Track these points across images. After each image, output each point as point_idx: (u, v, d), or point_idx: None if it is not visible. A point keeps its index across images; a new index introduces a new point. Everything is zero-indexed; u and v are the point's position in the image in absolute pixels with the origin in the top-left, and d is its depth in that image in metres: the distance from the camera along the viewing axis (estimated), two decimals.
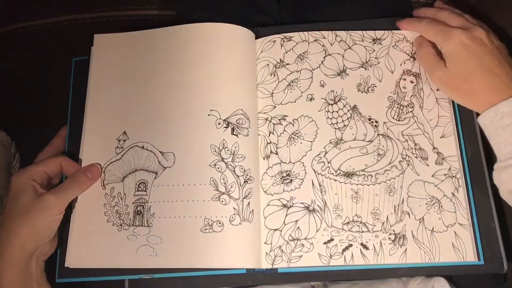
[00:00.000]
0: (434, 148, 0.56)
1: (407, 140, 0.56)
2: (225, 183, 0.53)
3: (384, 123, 0.57)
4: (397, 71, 0.59)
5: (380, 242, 0.53)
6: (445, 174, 0.55)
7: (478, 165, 0.56)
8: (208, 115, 0.55)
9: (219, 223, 0.52)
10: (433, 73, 0.55)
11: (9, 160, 0.65)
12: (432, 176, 0.55)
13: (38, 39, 0.67)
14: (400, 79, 0.58)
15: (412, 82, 0.58)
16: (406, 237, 0.53)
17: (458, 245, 0.52)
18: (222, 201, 0.53)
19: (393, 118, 0.57)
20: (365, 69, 0.59)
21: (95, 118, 0.58)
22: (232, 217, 0.52)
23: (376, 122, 0.57)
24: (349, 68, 0.59)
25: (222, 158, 0.54)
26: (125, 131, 0.57)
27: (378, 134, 0.56)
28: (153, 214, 0.54)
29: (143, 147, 0.56)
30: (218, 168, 0.54)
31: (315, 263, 0.52)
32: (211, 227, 0.52)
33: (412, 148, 0.56)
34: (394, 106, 0.57)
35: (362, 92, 0.58)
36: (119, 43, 0.60)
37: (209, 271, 0.54)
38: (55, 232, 0.53)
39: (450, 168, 0.55)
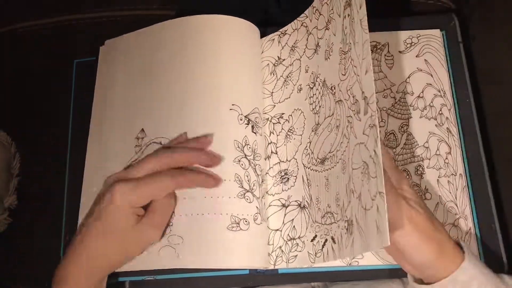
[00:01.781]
0: (362, 93, 0.43)
1: (349, 97, 0.46)
2: (248, 181, 0.51)
3: (338, 85, 0.49)
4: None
5: (340, 233, 0.45)
6: (370, 126, 0.41)
7: (478, 165, 0.56)
8: (230, 109, 0.53)
9: (245, 221, 0.50)
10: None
11: (9, 160, 0.64)
12: (363, 133, 0.43)
13: (38, 39, 0.67)
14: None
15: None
16: (352, 222, 0.43)
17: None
18: (247, 199, 0.51)
19: (342, 74, 0.48)
20: (328, 29, 0.52)
21: (112, 120, 0.57)
22: (255, 216, 0.51)
23: (333, 88, 0.50)
24: (320, 38, 0.54)
25: (245, 155, 0.52)
26: (142, 129, 0.55)
27: (335, 102, 0.49)
28: (173, 212, 0.51)
29: (160, 143, 0.54)
30: (242, 164, 0.52)
31: (306, 263, 0.50)
32: (238, 225, 0.50)
33: (352, 104, 0.45)
34: (342, 60, 0.48)
35: (326, 60, 0.52)
36: (130, 42, 0.60)
37: (211, 272, 0.53)
38: None
39: (371, 116, 0.41)
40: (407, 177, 0.55)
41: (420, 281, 0.46)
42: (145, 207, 0.48)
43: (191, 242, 0.49)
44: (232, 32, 0.57)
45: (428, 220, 0.44)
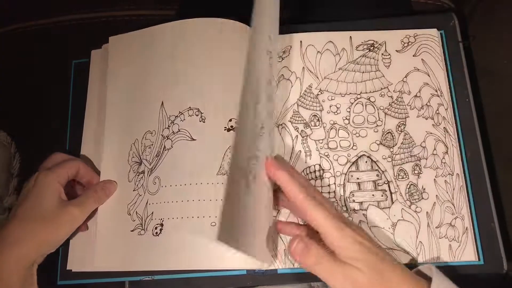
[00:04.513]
0: None
1: None
2: None
3: None
4: None
5: None
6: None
7: (478, 165, 0.56)
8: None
9: None
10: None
11: (9, 160, 0.64)
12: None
13: (38, 39, 0.67)
14: None
15: None
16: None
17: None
18: None
19: None
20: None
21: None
22: None
23: None
24: None
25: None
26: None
27: None
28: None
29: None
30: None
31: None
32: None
33: None
34: None
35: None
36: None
37: (209, 272, 0.54)
38: None
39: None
40: (405, 176, 0.55)
41: None
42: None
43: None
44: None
45: (374, 278, 0.43)
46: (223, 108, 0.55)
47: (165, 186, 0.54)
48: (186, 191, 0.53)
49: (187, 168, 0.54)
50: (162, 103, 0.57)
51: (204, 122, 0.55)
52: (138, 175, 0.56)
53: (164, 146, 0.55)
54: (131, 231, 0.54)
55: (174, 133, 0.55)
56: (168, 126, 0.56)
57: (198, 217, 0.52)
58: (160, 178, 0.55)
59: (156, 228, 0.53)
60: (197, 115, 0.55)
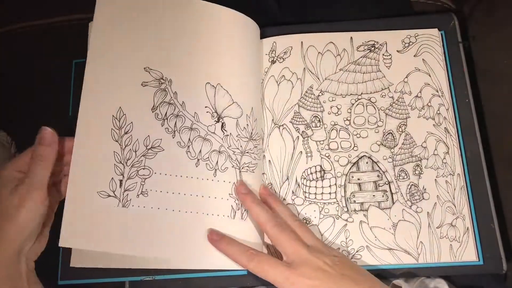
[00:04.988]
0: None
1: None
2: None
3: None
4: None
5: None
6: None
7: (478, 165, 0.56)
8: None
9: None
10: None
11: (9, 160, 0.64)
12: None
13: (38, 39, 0.67)
14: None
15: None
16: None
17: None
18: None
19: None
20: None
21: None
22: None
23: None
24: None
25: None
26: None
27: None
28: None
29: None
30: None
31: None
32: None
33: None
34: None
35: None
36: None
37: (209, 272, 0.54)
38: (41, 227, 0.48)
39: None
40: (406, 177, 0.55)
41: None
42: None
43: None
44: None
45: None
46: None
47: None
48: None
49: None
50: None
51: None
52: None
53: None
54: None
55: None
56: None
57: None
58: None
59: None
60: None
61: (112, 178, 0.49)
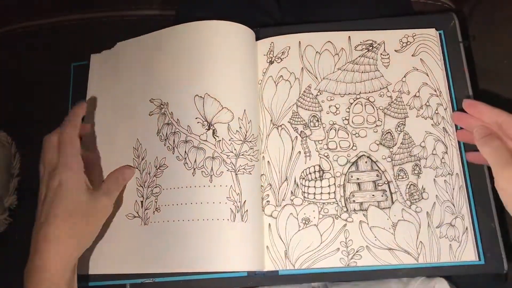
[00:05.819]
0: None
1: None
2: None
3: None
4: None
5: None
6: None
7: (478, 165, 0.56)
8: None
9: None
10: (503, 170, 0.48)
11: (9, 160, 0.65)
12: None
13: (38, 39, 0.68)
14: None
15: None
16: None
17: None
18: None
19: None
20: None
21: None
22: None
23: None
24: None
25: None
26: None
27: None
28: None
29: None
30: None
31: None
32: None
33: None
34: None
35: None
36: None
37: (210, 274, 0.54)
38: None
39: None
40: (405, 176, 0.55)
41: None
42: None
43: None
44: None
45: None
46: None
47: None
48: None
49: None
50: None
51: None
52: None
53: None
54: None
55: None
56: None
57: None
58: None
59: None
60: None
61: (136, 200, 0.56)
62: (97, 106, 0.61)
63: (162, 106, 0.57)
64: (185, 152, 0.55)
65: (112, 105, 0.60)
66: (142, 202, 0.55)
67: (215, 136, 0.55)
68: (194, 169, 0.54)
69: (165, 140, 0.56)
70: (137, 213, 0.55)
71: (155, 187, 0.55)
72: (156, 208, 0.54)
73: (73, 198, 0.49)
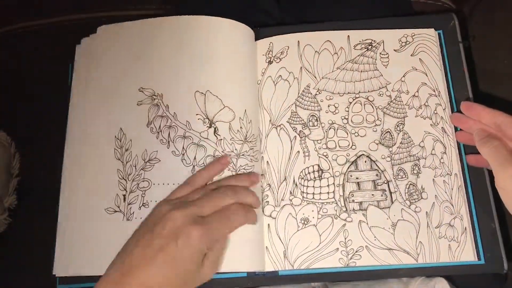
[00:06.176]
0: None
1: None
2: None
3: None
4: None
5: None
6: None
7: None
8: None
9: None
10: (503, 170, 0.48)
11: (9, 160, 0.65)
12: None
13: (38, 39, 0.68)
14: None
15: None
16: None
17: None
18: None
19: None
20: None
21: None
22: None
23: None
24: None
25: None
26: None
27: None
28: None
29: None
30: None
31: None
32: None
33: None
34: None
35: None
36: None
37: None
38: None
39: None
40: (404, 176, 0.55)
41: None
42: None
43: None
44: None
45: None
46: None
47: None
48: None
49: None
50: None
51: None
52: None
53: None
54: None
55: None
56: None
57: None
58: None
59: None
60: None
61: (117, 194, 0.53)
62: (77, 91, 0.59)
63: (154, 97, 0.56)
64: (183, 147, 0.54)
65: (94, 90, 0.58)
66: (124, 196, 0.53)
67: (216, 135, 0.54)
68: (194, 166, 0.54)
69: (158, 132, 0.55)
70: (118, 207, 0.53)
71: (143, 180, 0.54)
72: (144, 203, 0.53)
73: (187, 261, 0.44)
